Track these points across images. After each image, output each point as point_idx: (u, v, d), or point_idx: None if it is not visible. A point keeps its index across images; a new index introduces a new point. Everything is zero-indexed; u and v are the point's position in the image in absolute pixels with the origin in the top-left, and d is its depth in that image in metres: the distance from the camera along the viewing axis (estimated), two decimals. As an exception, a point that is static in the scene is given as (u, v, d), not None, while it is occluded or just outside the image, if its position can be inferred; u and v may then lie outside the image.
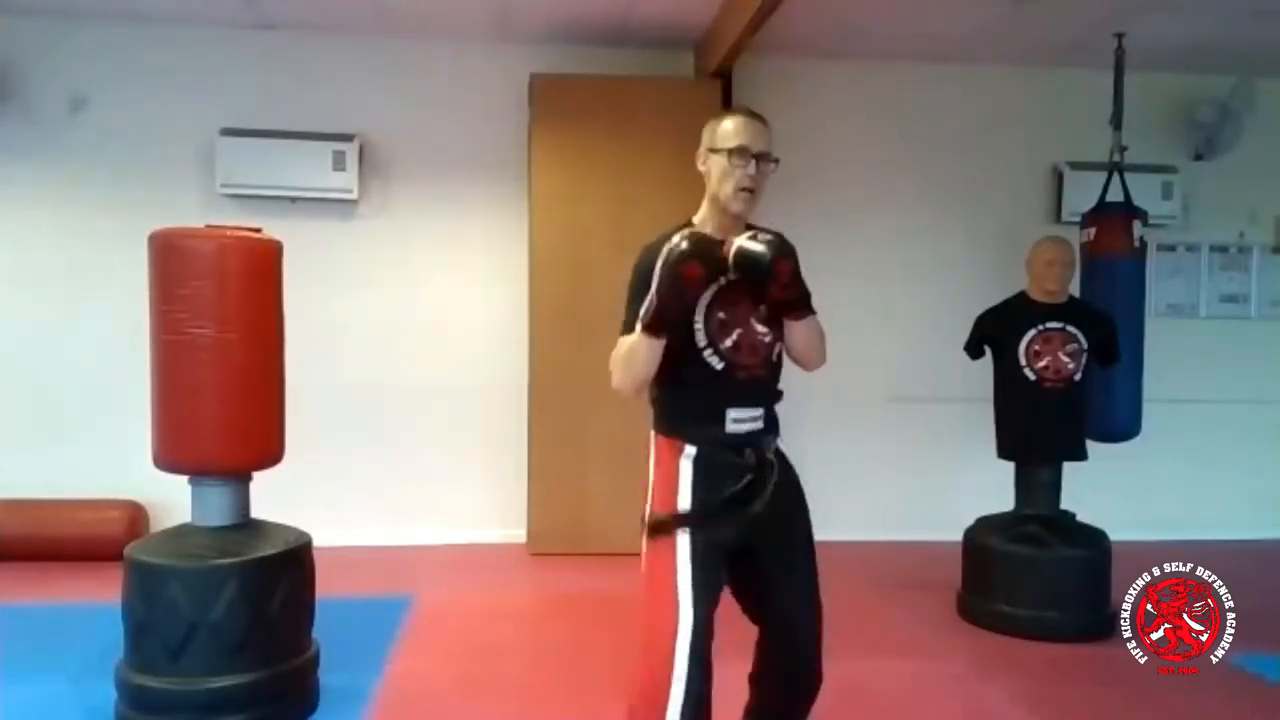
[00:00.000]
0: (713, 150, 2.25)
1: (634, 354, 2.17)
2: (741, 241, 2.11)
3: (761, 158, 2.23)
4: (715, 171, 2.25)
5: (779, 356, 2.33)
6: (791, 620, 2.31)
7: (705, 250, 2.09)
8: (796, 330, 2.29)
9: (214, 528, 2.90)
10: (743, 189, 2.22)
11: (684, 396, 2.26)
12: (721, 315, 2.22)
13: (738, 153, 2.21)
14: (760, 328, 2.26)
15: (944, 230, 5.42)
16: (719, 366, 2.23)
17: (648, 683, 2.16)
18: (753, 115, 2.28)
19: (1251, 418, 5.57)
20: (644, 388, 2.25)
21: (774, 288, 2.13)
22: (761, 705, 2.40)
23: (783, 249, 2.11)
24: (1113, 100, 4.53)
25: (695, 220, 2.32)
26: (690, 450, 2.23)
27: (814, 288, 2.24)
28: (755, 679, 2.40)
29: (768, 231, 2.15)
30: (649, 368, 2.19)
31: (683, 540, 2.19)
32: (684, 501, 2.21)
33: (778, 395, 2.36)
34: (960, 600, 4.15)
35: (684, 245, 2.06)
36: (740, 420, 2.25)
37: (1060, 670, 3.57)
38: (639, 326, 2.14)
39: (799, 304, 2.23)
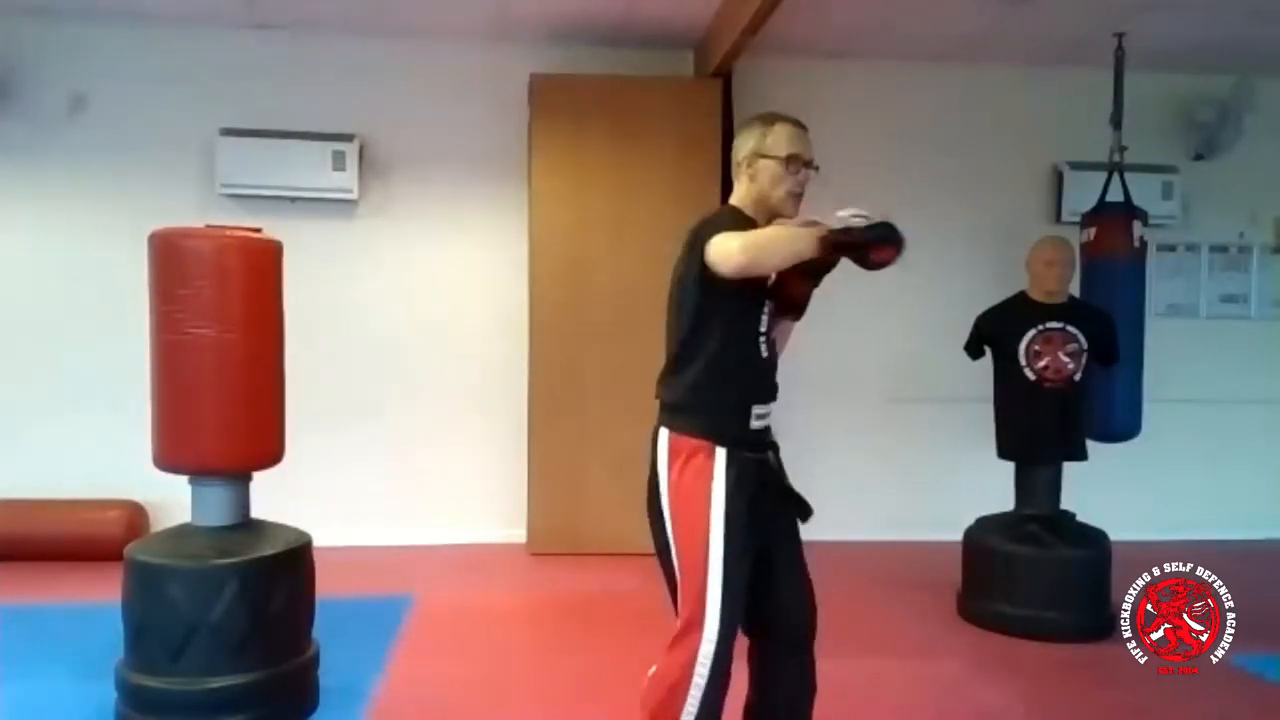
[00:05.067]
0: (763, 155, 2.27)
1: (790, 245, 2.10)
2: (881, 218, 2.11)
3: (809, 165, 2.28)
4: (766, 176, 2.27)
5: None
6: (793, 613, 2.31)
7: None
8: (788, 332, 2.39)
9: (214, 528, 2.90)
10: (794, 194, 2.27)
11: (718, 387, 2.19)
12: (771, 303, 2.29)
13: (792, 160, 2.25)
14: (777, 322, 2.34)
15: (944, 230, 5.40)
16: (765, 354, 2.27)
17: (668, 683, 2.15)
18: (800, 125, 2.32)
19: (1252, 418, 5.57)
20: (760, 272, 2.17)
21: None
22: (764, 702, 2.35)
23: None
24: (1113, 100, 4.53)
25: (738, 207, 2.33)
26: (720, 453, 2.16)
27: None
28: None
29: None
30: (784, 263, 2.16)
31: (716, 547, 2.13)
32: (717, 510, 2.13)
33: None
34: (960, 600, 4.15)
35: (894, 233, 2.07)
36: (761, 417, 2.25)
37: (1060, 670, 3.57)
38: (818, 236, 2.05)
39: (804, 307, 2.32)
